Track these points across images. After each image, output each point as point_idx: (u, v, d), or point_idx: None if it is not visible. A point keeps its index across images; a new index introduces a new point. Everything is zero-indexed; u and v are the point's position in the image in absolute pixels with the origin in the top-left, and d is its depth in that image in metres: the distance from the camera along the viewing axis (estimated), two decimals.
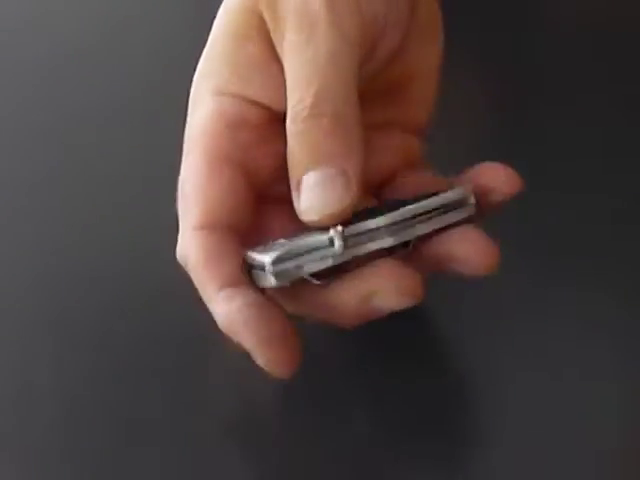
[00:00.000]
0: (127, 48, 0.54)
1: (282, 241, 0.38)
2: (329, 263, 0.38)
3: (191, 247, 0.39)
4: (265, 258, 0.37)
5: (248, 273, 0.38)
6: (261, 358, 0.37)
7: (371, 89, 0.41)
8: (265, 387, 0.43)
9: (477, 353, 0.44)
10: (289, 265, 0.37)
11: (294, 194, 0.38)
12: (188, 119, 0.41)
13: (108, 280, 0.46)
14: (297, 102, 0.38)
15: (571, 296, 0.45)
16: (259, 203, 0.41)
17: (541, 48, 0.54)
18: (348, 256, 0.37)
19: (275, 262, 0.37)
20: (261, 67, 0.40)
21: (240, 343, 0.37)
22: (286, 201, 0.39)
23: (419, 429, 0.42)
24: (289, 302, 0.39)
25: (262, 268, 0.37)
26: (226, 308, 0.37)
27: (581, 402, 0.42)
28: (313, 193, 0.38)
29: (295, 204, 0.38)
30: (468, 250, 0.38)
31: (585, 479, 0.40)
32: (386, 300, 0.37)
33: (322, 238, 0.37)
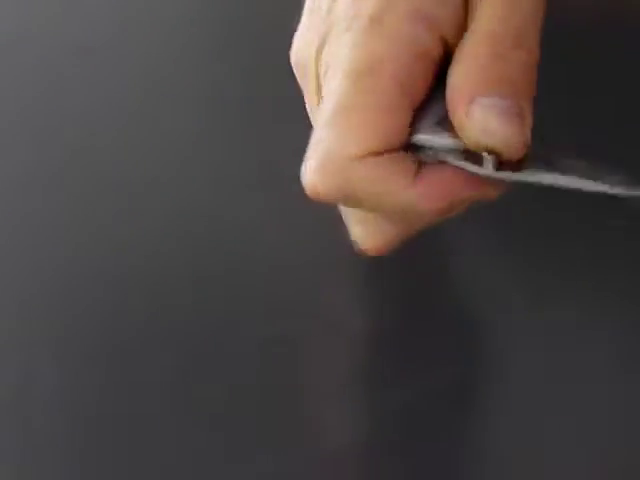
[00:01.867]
0: (131, 47, 0.54)
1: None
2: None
3: (366, 177, 0.37)
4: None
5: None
6: (489, 191, 0.37)
7: None
8: (268, 387, 0.43)
9: (477, 354, 0.44)
10: None
11: (459, 112, 0.37)
12: (360, 36, 0.38)
13: (111, 283, 0.46)
14: (502, 29, 0.37)
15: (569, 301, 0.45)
16: None
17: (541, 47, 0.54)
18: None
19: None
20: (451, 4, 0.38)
21: (459, 206, 0.37)
22: None
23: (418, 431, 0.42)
24: None
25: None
26: (435, 187, 0.37)
27: (580, 406, 0.43)
28: (490, 115, 0.37)
29: (460, 121, 0.37)
30: None
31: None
32: None
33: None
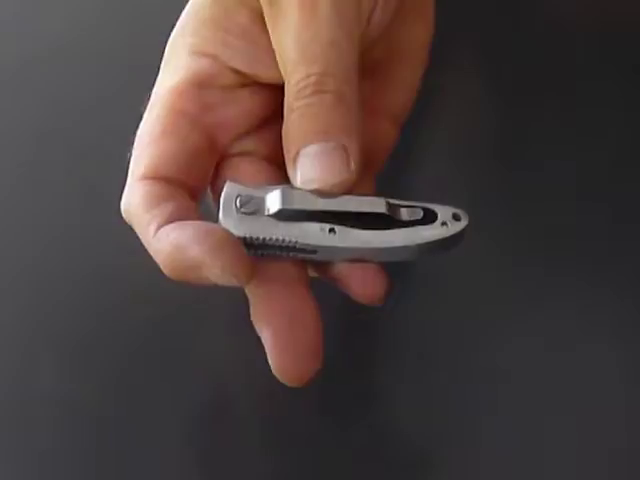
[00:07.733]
0: (107, 46, 0.54)
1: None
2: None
3: (135, 194, 0.38)
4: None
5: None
6: (216, 266, 0.35)
7: None
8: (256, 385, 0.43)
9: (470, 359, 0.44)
10: None
11: (290, 166, 0.39)
12: (159, 75, 0.41)
13: (104, 279, 0.46)
14: (301, 79, 0.38)
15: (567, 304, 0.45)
16: (221, 159, 0.41)
17: (541, 48, 0.54)
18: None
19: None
20: (249, 38, 0.41)
21: (189, 270, 0.36)
22: (246, 155, 0.41)
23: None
24: None
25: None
26: (171, 235, 0.36)
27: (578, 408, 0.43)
28: (311, 165, 0.38)
29: (291, 175, 0.39)
30: (356, 275, 0.39)
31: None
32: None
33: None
